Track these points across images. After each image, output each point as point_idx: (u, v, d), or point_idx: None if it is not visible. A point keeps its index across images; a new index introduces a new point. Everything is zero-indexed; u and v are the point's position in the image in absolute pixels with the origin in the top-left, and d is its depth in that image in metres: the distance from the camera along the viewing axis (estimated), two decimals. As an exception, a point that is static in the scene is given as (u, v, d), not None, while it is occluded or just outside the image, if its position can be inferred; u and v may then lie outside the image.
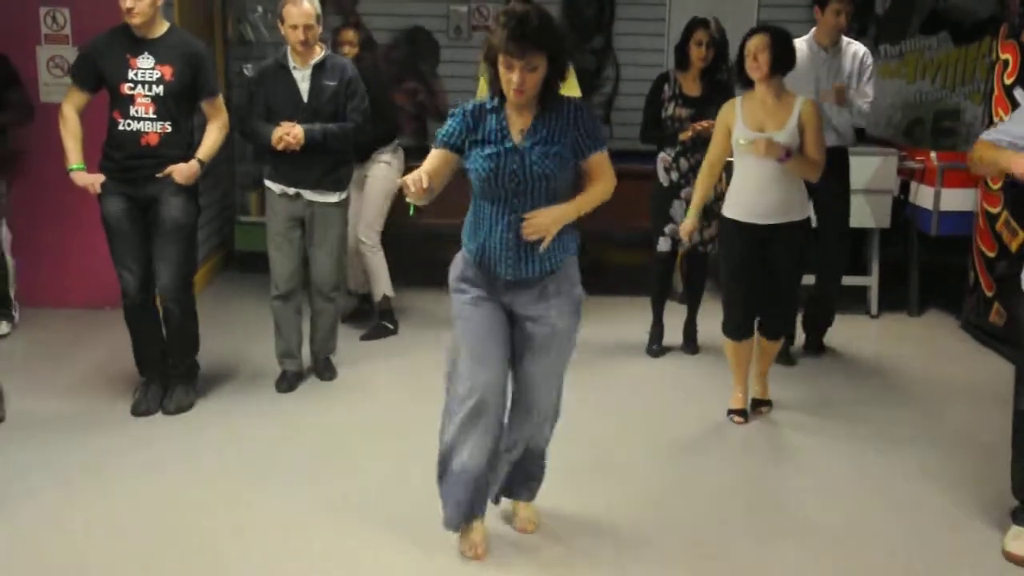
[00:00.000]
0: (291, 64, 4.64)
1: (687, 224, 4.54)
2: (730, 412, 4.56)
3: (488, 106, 3.06)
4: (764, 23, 4.44)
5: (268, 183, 4.76)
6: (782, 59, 4.23)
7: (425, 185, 2.87)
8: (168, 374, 4.58)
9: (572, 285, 3.15)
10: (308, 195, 4.70)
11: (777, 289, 4.43)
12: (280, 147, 4.51)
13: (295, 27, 4.51)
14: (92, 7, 5.73)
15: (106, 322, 5.61)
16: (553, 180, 3.01)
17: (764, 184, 4.27)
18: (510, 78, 2.91)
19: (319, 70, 4.63)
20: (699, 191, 4.52)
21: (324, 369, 4.99)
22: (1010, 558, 3.40)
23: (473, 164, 3.04)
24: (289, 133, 4.48)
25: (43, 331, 5.69)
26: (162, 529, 3.48)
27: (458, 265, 3.18)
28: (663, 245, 5.35)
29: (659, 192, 5.31)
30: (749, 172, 4.30)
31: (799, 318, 5.36)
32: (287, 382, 4.83)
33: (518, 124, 3.03)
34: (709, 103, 5.15)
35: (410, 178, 2.87)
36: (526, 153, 2.99)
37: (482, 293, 3.13)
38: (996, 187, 5.51)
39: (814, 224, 4.95)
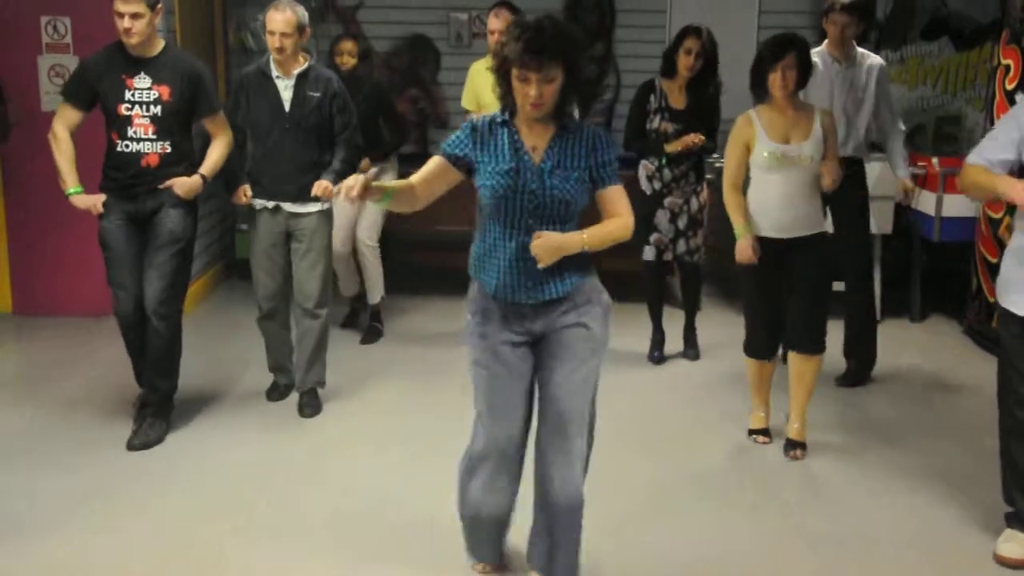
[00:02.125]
0: (274, 72, 4.48)
1: (742, 243, 4.13)
2: (752, 432, 4.41)
3: (499, 119, 2.89)
4: (788, 31, 4.21)
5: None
6: (806, 74, 4.09)
7: (355, 195, 2.64)
8: (141, 401, 4.41)
9: (599, 291, 2.96)
10: (289, 207, 4.54)
11: (806, 302, 4.17)
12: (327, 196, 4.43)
13: (272, 33, 4.36)
14: (93, 16, 5.75)
15: (105, 330, 5.61)
16: (572, 205, 2.83)
17: (790, 198, 4.09)
18: (527, 92, 2.73)
19: (302, 80, 4.48)
20: (736, 213, 4.16)
21: (306, 404, 4.68)
22: (1001, 561, 3.40)
23: (487, 180, 2.83)
24: (325, 190, 4.39)
25: (40, 340, 5.68)
26: (164, 542, 3.48)
27: (475, 301, 2.96)
28: (648, 254, 5.36)
29: (642, 200, 5.19)
30: (773, 187, 4.12)
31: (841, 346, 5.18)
32: (278, 392, 4.86)
33: (531, 141, 2.85)
34: (695, 117, 5.16)
35: (345, 183, 2.68)
36: (546, 174, 2.81)
37: (504, 334, 2.90)
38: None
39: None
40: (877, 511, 3.78)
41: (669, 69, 5.19)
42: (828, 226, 4.24)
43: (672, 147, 5.14)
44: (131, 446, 4.22)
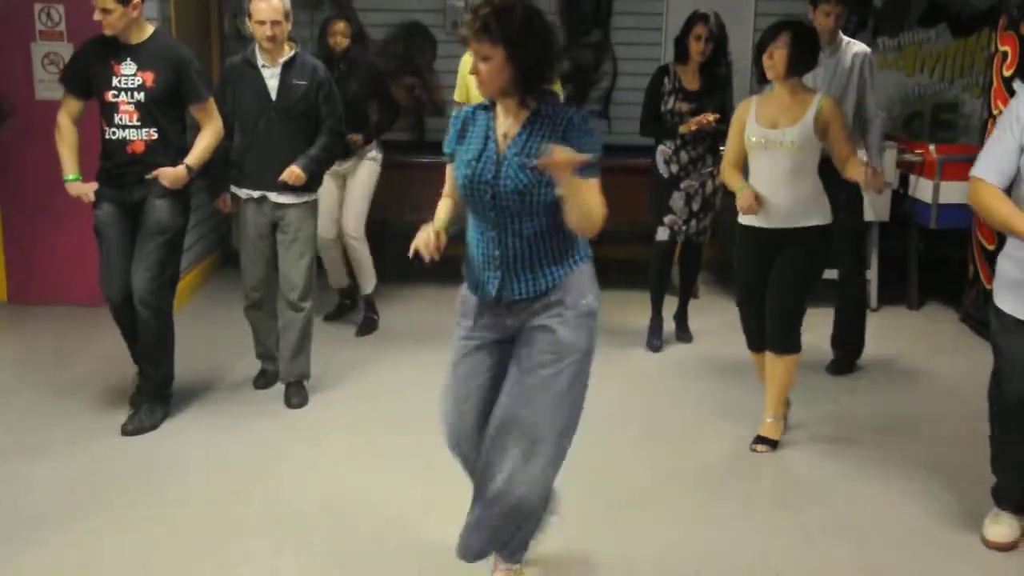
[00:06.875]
0: (260, 62, 4.46)
1: (745, 193, 4.05)
2: (755, 440, 4.24)
3: (483, 105, 2.81)
4: (786, 18, 4.14)
5: (234, 188, 4.65)
6: (801, 59, 3.99)
7: (438, 244, 2.68)
8: (137, 388, 4.46)
9: (580, 296, 2.77)
10: (274, 197, 4.50)
11: (775, 301, 4.09)
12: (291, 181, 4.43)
13: (262, 23, 4.32)
14: (86, 3, 5.68)
15: (101, 319, 5.58)
16: (529, 196, 2.65)
17: (774, 184, 4.04)
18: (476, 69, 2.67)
19: (288, 68, 4.45)
20: (734, 178, 4.14)
21: (292, 394, 4.67)
22: (989, 545, 3.41)
23: (457, 171, 2.78)
24: (292, 175, 4.39)
25: (35, 329, 5.67)
26: (153, 533, 3.48)
27: (460, 297, 2.91)
28: (662, 235, 5.43)
29: (659, 183, 5.38)
30: (760, 172, 4.10)
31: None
32: (264, 379, 4.88)
33: (504, 127, 2.73)
34: (708, 97, 5.25)
35: (421, 242, 2.68)
36: (504, 162, 2.68)
37: (481, 333, 2.83)
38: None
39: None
40: (872, 501, 3.78)
41: (681, 55, 5.28)
42: (820, 219, 4.09)
43: (685, 128, 5.20)
44: (124, 431, 4.25)
